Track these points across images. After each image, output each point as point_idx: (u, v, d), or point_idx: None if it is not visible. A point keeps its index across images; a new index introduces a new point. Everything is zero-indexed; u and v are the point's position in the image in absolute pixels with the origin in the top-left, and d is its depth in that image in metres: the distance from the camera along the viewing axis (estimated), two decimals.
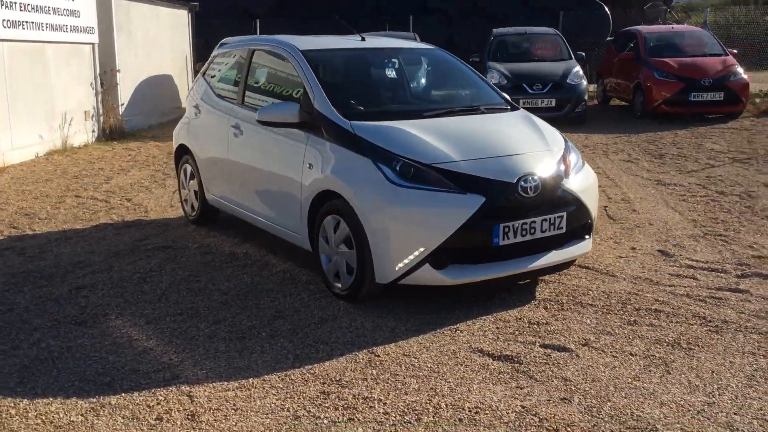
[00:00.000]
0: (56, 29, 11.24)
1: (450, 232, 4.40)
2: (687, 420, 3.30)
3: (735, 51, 14.54)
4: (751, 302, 4.71)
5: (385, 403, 3.47)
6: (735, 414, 3.35)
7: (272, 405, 3.47)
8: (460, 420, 3.31)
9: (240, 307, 4.76)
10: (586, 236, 5.06)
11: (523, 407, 3.41)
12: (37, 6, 10.63)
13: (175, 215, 7.36)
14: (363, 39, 6.01)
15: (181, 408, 3.45)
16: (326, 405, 3.46)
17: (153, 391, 3.61)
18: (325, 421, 3.32)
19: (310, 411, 3.41)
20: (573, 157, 5.08)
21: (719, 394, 3.53)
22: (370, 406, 3.44)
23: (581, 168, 5.11)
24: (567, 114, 12.63)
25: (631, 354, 3.97)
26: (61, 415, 3.39)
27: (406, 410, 3.40)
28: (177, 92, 16.35)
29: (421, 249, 4.42)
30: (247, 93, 5.98)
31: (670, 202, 7.53)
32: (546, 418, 3.31)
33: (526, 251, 4.69)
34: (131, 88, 13.96)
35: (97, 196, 8.17)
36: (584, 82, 13.41)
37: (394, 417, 3.34)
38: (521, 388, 3.60)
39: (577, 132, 11.87)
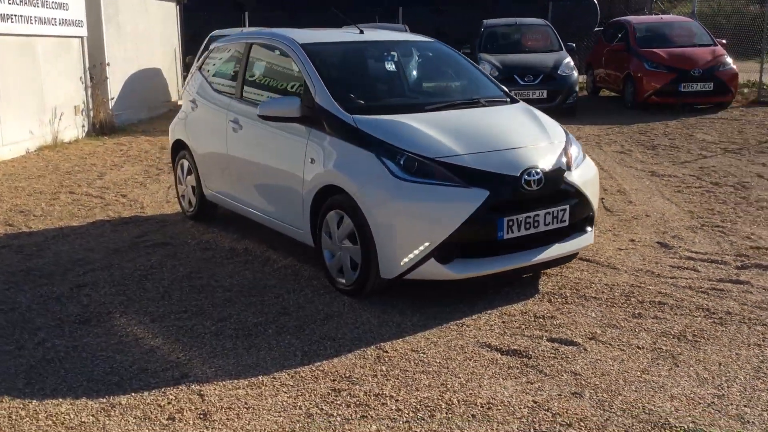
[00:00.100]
0: (45, 22, 11.12)
1: (455, 226, 4.40)
2: (698, 413, 3.32)
3: (723, 41, 14.61)
4: (752, 293, 4.75)
5: (397, 400, 3.47)
6: (745, 406, 3.38)
7: (284, 403, 3.47)
8: (474, 416, 3.32)
9: (244, 303, 4.75)
10: (588, 229, 5.08)
11: (535, 402, 3.42)
12: None
13: (171, 211, 7.32)
14: (361, 32, 5.99)
15: (193, 407, 3.43)
16: (338, 402, 3.46)
17: (163, 390, 3.60)
18: (339, 419, 3.32)
19: (322, 409, 3.41)
20: (574, 150, 5.09)
21: (728, 387, 3.56)
22: (383, 403, 3.44)
23: (582, 161, 5.12)
24: (558, 105, 12.65)
25: (638, 347, 4.00)
26: (72, 416, 3.37)
27: (418, 406, 3.41)
28: (166, 86, 16.24)
29: (427, 243, 4.42)
30: (246, 87, 5.94)
31: (666, 194, 7.57)
32: (558, 413, 3.32)
33: (530, 245, 4.70)
34: (120, 81, 13.84)
35: (92, 193, 8.11)
36: (575, 73, 13.43)
37: (407, 414, 3.35)
38: (531, 383, 3.61)
39: (568, 123, 11.86)
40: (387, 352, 4.00)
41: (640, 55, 13.87)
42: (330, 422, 3.29)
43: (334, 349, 4.06)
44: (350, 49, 5.77)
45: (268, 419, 3.33)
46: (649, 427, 3.20)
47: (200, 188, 6.62)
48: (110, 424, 3.31)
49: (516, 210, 4.55)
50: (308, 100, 5.09)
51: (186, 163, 6.81)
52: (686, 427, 3.21)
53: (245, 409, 3.41)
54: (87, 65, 12.44)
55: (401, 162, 4.53)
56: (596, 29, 20.83)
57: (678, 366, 3.77)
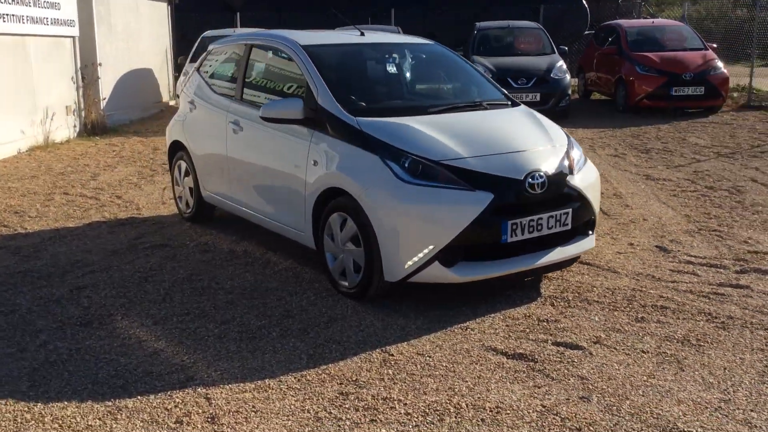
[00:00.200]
0: (37, 22, 11.04)
1: (459, 229, 4.40)
2: (706, 417, 3.34)
3: (714, 45, 14.72)
4: (753, 298, 4.78)
5: (405, 404, 3.47)
6: (752, 411, 3.39)
7: (292, 406, 3.45)
8: (483, 420, 3.32)
9: (247, 306, 4.73)
10: (590, 232, 5.10)
11: (543, 406, 3.43)
12: None
13: (168, 212, 7.28)
14: (362, 34, 5.98)
15: (200, 410, 3.41)
16: (346, 406, 3.45)
17: (169, 393, 3.57)
18: (348, 423, 3.31)
19: (331, 412, 3.39)
20: (576, 154, 5.11)
21: (734, 391, 3.58)
22: (391, 407, 3.44)
23: (584, 164, 5.14)
24: (551, 108, 12.69)
25: (643, 351, 4.01)
26: (78, 420, 3.34)
27: (427, 410, 3.40)
28: (158, 87, 16.16)
29: (431, 246, 4.42)
30: (246, 89, 5.92)
31: (662, 197, 7.62)
32: (568, 418, 3.33)
33: (533, 248, 4.71)
34: (112, 82, 13.76)
35: (86, 194, 8.05)
36: (568, 77, 13.49)
37: (416, 418, 3.34)
38: (539, 387, 3.62)
39: (561, 126, 11.91)
40: (392, 355, 3.99)
41: (631, 59, 13.95)
42: (339, 426, 3.28)
43: (340, 352, 4.04)
44: (352, 51, 5.76)
45: (276, 423, 3.32)
46: None
47: (198, 190, 6.59)
48: (117, 427, 3.28)
49: (519, 213, 4.56)
50: (311, 102, 5.08)
51: (184, 165, 6.78)
52: (695, 431, 3.22)
53: (253, 413, 3.40)
54: (79, 65, 12.36)
55: (406, 165, 4.53)
56: (586, 32, 20.95)
57: (683, 370, 3.79)
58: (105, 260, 5.71)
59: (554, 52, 14.13)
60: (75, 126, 12.29)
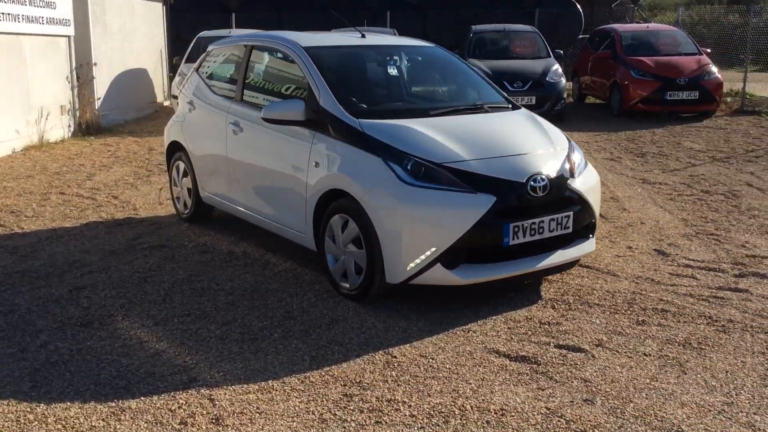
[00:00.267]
0: (33, 21, 11.00)
1: (462, 231, 4.40)
2: (709, 420, 3.35)
3: (708, 50, 14.80)
4: (752, 301, 4.81)
5: (410, 406, 3.46)
6: (755, 414, 3.41)
7: (296, 408, 3.45)
8: (488, 422, 3.32)
9: (247, 307, 4.71)
10: (590, 236, 5.11)
11: (548, 409, 3.43)
12: None
13: (165, 213, 7.26)
14: (363, 36, 5.98)
15: (204, 412, 3.40)
16: (351, 408, 3.45)
17: (172, 394, 3.56)
18: (353, 424, 3.30)
19: (335, 414, 3.39)
20: (577, 157, 5.12)
21: (736, 394, 3.59)
22: (396, 409, 3.43)
23: (585, 168, 5.15)
24: (547, 111, 12.71)
25: (645, 354, 4.02)
26: (82, 420, 3.32)
27: (432, 412, 3.40)
28: (152, 87, 16.11)
29: (433, 249, 4.42)
30: (246, 90, 5.91)
31: (659, 201, 7.64)
32: (572, 420, 3.33)
33: (534, 251, 4.72)
34: (107, 82, 13.71)
35: (83, 194, 8.02)
36: (563, 80, 13.53)
37: (422, 420, 3.34)
38: (542, 390, 3.62)
39: None
40: (395, 357, 3.99)
41: (626, 63, 14.01)
42: (345, 428, 3.28)
43: (342, 353, 4.04)
44: (353, 53, 5.76)
45: (281, 424, 3.31)
46: None
47: (196, 190, 6.57)
48: (121, 428, 3.27)
49: (521, 216, 4.56)
50: (312, 104, 5.08)
51: (182, 165, 6.76)
52: None
53: (257, 414, 3.39)
54: (74, 65, 12.31)
55: (408, 167, 4.53)
56: (581, 36, 21.03)
57: (686, 373, 3.80)
58: (103, 260, 5.69)
59: (550, 56, 14.17)
60: (70, 126, 12.24)
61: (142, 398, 3.52)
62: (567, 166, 4.92)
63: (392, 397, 3.54)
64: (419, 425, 3.30)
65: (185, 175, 6.73)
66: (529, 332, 4.32)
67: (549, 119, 5.80)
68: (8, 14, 10.33)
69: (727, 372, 3.83)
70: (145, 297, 4.90)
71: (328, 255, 4.97)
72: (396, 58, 5.84)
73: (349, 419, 3.34)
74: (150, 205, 7.56)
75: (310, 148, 5.03)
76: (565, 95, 13.66)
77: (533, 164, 4.71)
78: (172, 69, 15.66)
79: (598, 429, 3.27)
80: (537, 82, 13.08)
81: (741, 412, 3.43)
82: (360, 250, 4.66)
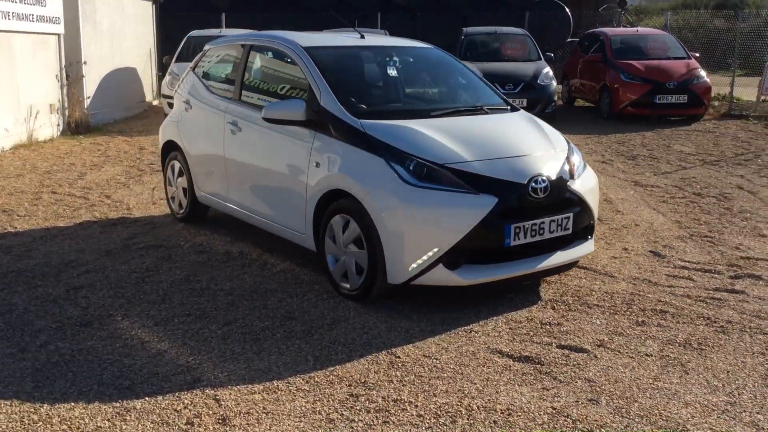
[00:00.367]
0: (22, 18, 10.90)
1: (464, 232, 4.41)
2: (714, 420, 3.38)
3: (697, 54, 14.92)
4: (749, 303, 4.85)
5: (416, 405, 3.46)
6: (758, 413, 3.44)
7: (303, 408, 3.44)
8: (495, 422, 3.33)
9: (248, 307, 4.70)
10: (589, 237, 5.14)
11: (553, 408, 3.44)
12: None
13: (159, 213, 7.22)
14: (362, 36, 5.98)
15: (210, 412, 3.38)
16: (357, 408, 3.44)
17: (177, 394, 3.54)
18: (361, 424, 3.30)
19: (342, 414, 3.38)
20: (576, 159, 5.15)
21: (739, 394, 3.62)
22: (403, 409, 3.43)
23: (584, 169, 5.18)
24: (538, 114, 12.58)
25: (647, 355, 4.05)
26: (87, 421, 3.30)
27: (438, 412, 3.40)
28: (141, 86, 16.03)
29: (435, 249, 4.43)
30: (245, 89, 5.88)
31: (651, 203, 7.70)
32: (578, 420, 3.35)
33: (534, 252, 4.74)
34: (96, 80, 13.62)
35: (75, 193, 7.96)
36: (554, 83, 13.59)
37: (429, 419, 3.34)
38: (547, 390, 3.64)
39: None
40: (399, 357, 3.99)
41: (616, 67, 14.09)
42: (352, 428, 3.27)
43: (346, 354, 4.03)
44: (353, 54, 5.76)
45: (288, 424, 3.30)
46: None
47: (192, 190, 6.54)
48: (127, 428, 3.25)
49: (523, 217, 4.58)
50: (313, 104, 5.07)
51: (177, 165, 6.72)
52: None
53: (264, 414, 3.37)
54: (63, 63, 12.21)
55: (411, 167, 4.53)
56: (569, 40, 21.15)
57: (688, 374, 3.83)
58: (99, 260, 5.65)
59: (541, 59, 14.23)
60: (59, 125, 12.14)
61: (147, 398, 3.50)
62: (566, 167, 4.94)
63: (398, 397, 3.54)
64: (427, 425, 3.30)
65: (180, 174, 6.70)
66: (531, 333, 4.33)
67: None
68: None
69: (728, 372, 3.86)
70: (143, 297, 4.87)
71: (328, 255, 4.97)
72: (396, 59, 5.84)
73: (356, 419, 3.34)
74: (143, 205, 7.52)
75: (310, 148, 5.02)
76: (555, 98, 13.73)
77: (534, 166, 4.73)
78: (162, 68, 15.58)
79: (604, 428, 3.29)
80: (528, 84, 13.13)
81: (744, 411, 3.46)
82: (361, 251, 4.66)
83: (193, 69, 6.76)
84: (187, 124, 6.54)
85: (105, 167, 9.53)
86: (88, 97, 13.09)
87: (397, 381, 3.72)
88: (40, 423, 3.28)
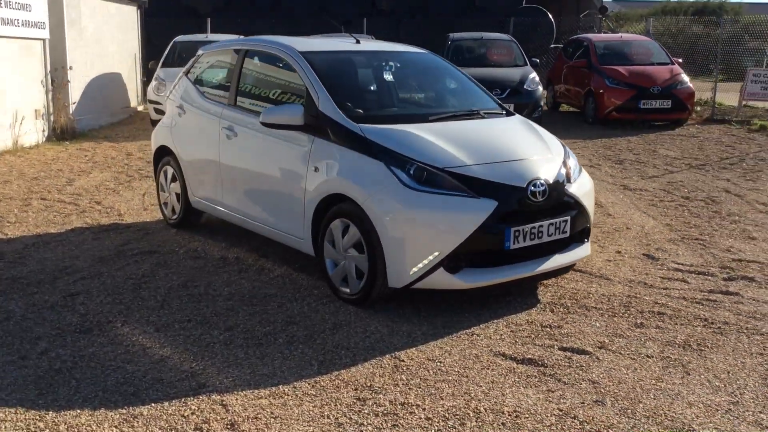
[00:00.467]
0: (7, 23, 10.81)
1: (465, 236, 4.43)
2: (718, 419, 3.42)
3: (680, 60, 15.10)
4: (744, 304, 4.91)
5: (424, 409, 3.47)
6: (761, 413, 3.49)
7: (311, 412, 3.43)
8: (504, 424, 3.34)
9: (248, 313, 4.68)
10: (585, 240, 5.18)
11: (560, 410, 3.47)
12: None
13: (151, 219, 7.18)
14: (357, 41, 6.00)
15: (218, 417, 3.37)
16: (365, 411, 3.44)
17: (183, 400, 3.52)
18: (370, 428, 3.30)
19: (351, 418, 3.38)
20: (572, 162, 5.20)
21: (741, 394, 3.67)
22: (410, 412, 3.44)
23: (580, 173, 5.23)
24: None
25: (648, 356, 4.09)
26: (94, 428, 3.27)
27: (447, 415, 3.42)
28: (126, 91, 15.93)
29: (436, 253, 4.44)
30: (240, 94, 5.87)
31: (641, 207, 7.77)
32: (585, 421, 3.37)
33: (533, 255, 4.77)
34: (82, 86, 13.53)
35: (65, 199, 7.89)
36: (540, 88, 13.68)
37: (438, 422, 3.35)
38: (552, 392, 3.66)
39: None
40: (403, 361, 4.00)
41: (601, 72, 14.22)
42: (362, 431, 3.27)
43: (349, 358, 4.03)
44: (349, 58, 5.77)
45: (298, 429, 3.29)
46: None
47: (186, 195, 6.51)
48: None
49: (522, 221, 4.61)
50: (311, 109, 5.07)
51: (170, 170, 6.69)
52: None
53: (272, 419, 3.37)
54: (49, 68, 12.12)
55: (411, 171, 4.55)
56: (552, 45, 21.32)
57: (689, 374, 3.88)
58: (94, 267, 5.60)
59: (527, 64, 14.33)
60: (44, 130, 12.04)
61: (153, 405, 3.48)
62: (563, 171, 4.99)
63: (405, 401, 3.55)
64: (436, 428, 3.31)
65: (174, 180, 6.66)
66: (532, 335, 4.36)
67: None
68: None
69: (728, 372, 3.91)
70: (142, 303, 4.84)
71: (327, 260, 4.96)
72: (391, 63, 5.87)
73: (365, 423, 3.34)
74: (135, 211, 7.47)
75: (309, 152, 5.02)
76: (542, 103, 13.83)
77: (532, 169, 4.76)
78: (148, 73, 15.50)
79: (611, 429, 3.31)
80: (515, 90, 13.21)
81: (747, 411, 3.50)
82: (361, 255, 4.66)
83: (186, 74, 6.74)
84: (181, 129, 6.51)
85: (93, 173, 9.46)
86: (74, 103, 13.01)
87: (402, 384, 3.73)
88: (47, 430, 3.25)
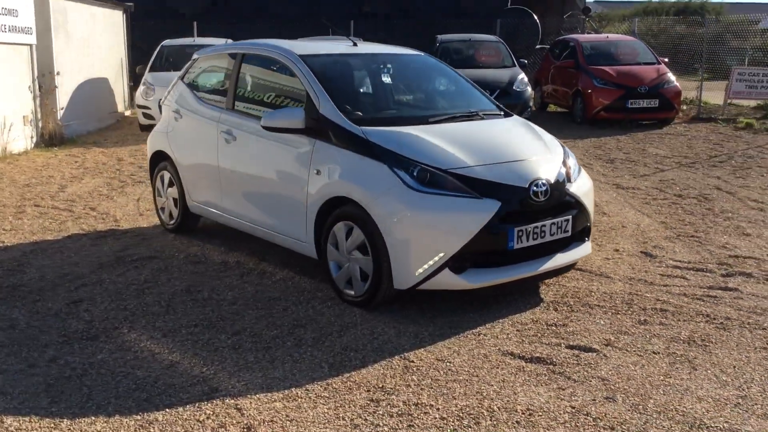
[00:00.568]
0: None
1: (470, 236, 4.46)
2: (728, 413, 3.47)
3: (666, 60, 15.24)
4: (744, 299, 4.98)
5: (438, 408, 3.50)
6: None
7: (326, 414, 3.45)
8: (518, 422, 3.37)
9: (254, 316, 4.69)
10: (586, 239, 5.23)
11: (572, 407, 3.50)
12: None
13: (147, 224, 7.15)
14: (355, 44, 6.02)
15: (234, 421, 3.37)
16: (380, 412, 3.46)
17: (197, 405, 3.52)
18: (386, 429, 3.32)
19: (366, 419, 3.40)
20: (572, 162, 5.25)
21: (748, 388, 3.72)
22: (425, 412, 3.46)
23: (579, 173, 5.28)
24: None
25: (654, 352, 4.14)
26: None
27: (461, 414, 3.44)
28: (113, 96, 15.84)
29: (441, 254, 4.47)
30: (239, 98, 5.87)
31: (635, 205, 7.85)
32: (598, 418, 3.41)
33: (535, 254, 4.81)
34: (69, 92, 13.44)
35: (59, 206, 7.85)
36: (529, 89, 13.78)
37: (453, 422, 3.38)
38: (563, 389, 3.69)
39: None
40: (413, 361, 4.02)
41: (589, 73, 14.33)
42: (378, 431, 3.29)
43: (359, 360, 4.05)
44: (348, 61, 5.79)
45: (314, 431, 3.30)
46: (687, 428, 3.33)
47: (183, 200, 6.50)
48: None
49: (525, 220, 4.65)
50: (312, 112, 5.08)
51: (167, 175, 6.67)
52: (721, 427, 3.34)
53: (288, 422, 3.38)
54: (36, 74, 12.04)
55: (415, 173, 4.57)
56: (538, 46, 21.44)
57: (696, 370, 3.93)
58: (95, 273, 5.58)
59: (515, 65, 14.41)
60: (32, 137, 11.96)
61: (167, 410, 3.48)
62: (563, 171, 5.03)
63: (418, 401, 3.57)
64: (451, 427, 3.33)
65: (171, 185, 6.65)
66: (539, 334, 4.40)
67: None
68: None
69: (734, 367, 3.96)
70: (146, 309, 4.82)
71: (330, 262, 4.98)
72: (389, 66, 5.89)
73: (381, 423, 3.36)
74: (131, 216, 7.44)
75: (310, 156, 5.03)
76: (531, 103, 13.91)
77: (534, 170, 4.80)
78: (135, 78, 15.43)
79: (624, 425, 3.35)
80: (504, 91, 13.28)
81: (756, 404, 3.55)
82: (365, 257, 4.68)
83: (182, 78, 6.72)
84: (178, 134, 6.50)
85: (85, 179, 9.41)
86: (62, 109, 12.92)
87: (414, 385, 3.75)
88: None
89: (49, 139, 12.26)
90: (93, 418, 3.40)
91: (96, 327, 4.50)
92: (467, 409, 3.48)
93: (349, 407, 3.52)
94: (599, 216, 7.36)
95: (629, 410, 3.49)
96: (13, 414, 3.44)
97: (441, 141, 4.84)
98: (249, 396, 3.61)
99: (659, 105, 13.84)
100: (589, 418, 3.41)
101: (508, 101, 13.08)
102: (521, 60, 14.83)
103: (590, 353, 4.12)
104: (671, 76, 14.19)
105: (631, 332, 4.42)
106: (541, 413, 3.45)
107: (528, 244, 4.68)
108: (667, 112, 14.05)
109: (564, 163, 5.12)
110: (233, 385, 3.73)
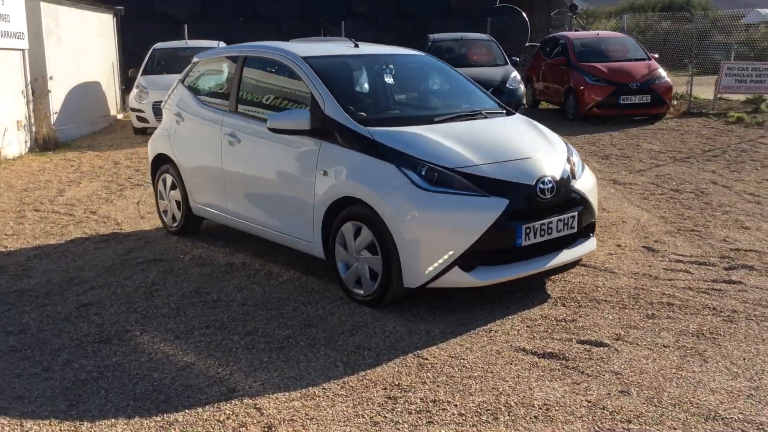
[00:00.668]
0: None
1: (478, 234, 4.50)
2: (741, 404, 3.52)
3: (656, 55, 15.34)
4: (748, 292, 5.04)
5: (455, 405, 3.53)
6: None
7: (345, 413, 3.47)
8: (536, 417, 3.41)
9: (265, 317, 4.70)
10: (591, 235, 5.28)
11: (588, 402, 3.54)
12: None
13: (149, 227, 7.15)
14: (356, 45, 6.04)
15: (254, 421, 3.40)
16: (398, 410, 3.49)
17: (217, 405, 3.54)
18: (406, 426, 3.35)
19: (385, 416, 3.43)
20: (576, 159, 5.29)
21: (759, 379, 3.78)
22: (443, 409, 3.49)
23: (583, 170, 5.32)
24: None
25: (664, 346, 4.19)
26: None
27: (479, 410, 3.47)
28: (106, 100, 15.79)
29: (451, 252, 4.50)
30: (242, 101, 5.88)
31: (634, 201, 7.91)
32: (615, 411, 3.45)
33: (542, 251, 4.85)
34: (62, 96, 13.38)
35: (59, 210, 7.83)
36: (522, 87, 13.84)
37: (471, 418, 3.41)
38: (578, 384, 3.74)
39: None
40: (427, 359, 4.05)
41: (580, 69, 14.40)
42: (399, 429, 3.32)
43: (373, 358, 4.08)
44: (350, 62, 5.81)
45: (335, 429, 3.33)
46: (703, 420, 3.37)
47: (187, 203, 6.50)
48: None
49: (532, 218, 4.69)
50: (317, 113, 5.10)
51: (169, 178, 6.67)
52: (736, 418, 3.39)
53: (308, 420, 3.40)
54: (29, 79, 11.98)
55: (423, 172, 4.60)
56: (528, 44, 21.54)
57: (707, 362, 3.98)
58: (101, 277, 5.58)
59: (507, 63, 14.47)
60: (26, 141, 11.91)
61: (187, 411, 3.49)
62: (568, 168, 5.08)
63: (435, 398, 3.60)
64: (471, 423, 3.37)
65: (173, 187, 6.65)
66: (549, 330, 4.44)
67: None
68: None
69: (744, 359, 4.01)
70: (157, 311, 4.83)
71: (339, 262, 5.00)
72: (392, 66, 5.92)
73: (400, 421, 3.39)
74: (132, 220, 7.43)
75: (317, 157, 5.05)
76: (524, 101, 13.97)
77: (540, 167, 4.84)
78: (128, 81, 15.38)
79: (641, 418, 3.39)
80: (497, 89, 13.31)
81: None
82: (375, 256, 4.71)
83: (183, 81, 6.72)
84: (180, 137, 6.50)
85: (83, 183, 9.39)
86: (55, 113, 12.87)
87: (430, 382, 3.78)
88: None
89: (44, 144, 12.21)
90: (113, 420, 3.42)
91: (108, 330, 4.51)
92: (485, 405, 3.52)
93: (368, 405, 3.54)
94: (599, 212, 7.39)
95: (644, 403, 3.53)
96: (32, 418, 3.45)
97: (447, 140, 4.87)
98: (267, 395, 3.64)
99: (651, 101, 13.93)
100: (605, 411, 3.45)
101: (501, 99, 13.06)
102: (513, 57, 14.90)
103: (601, 348, 4.16)
104: (662, 72, 14.29)
105: (640, 326, 4.47)
106: (557, 408, 3.49)
107: (535, 241, 4.72)
108: (658, 107, 14.15)
109: (568, 159, 5.16)
110: (250, 385, 3.75)
